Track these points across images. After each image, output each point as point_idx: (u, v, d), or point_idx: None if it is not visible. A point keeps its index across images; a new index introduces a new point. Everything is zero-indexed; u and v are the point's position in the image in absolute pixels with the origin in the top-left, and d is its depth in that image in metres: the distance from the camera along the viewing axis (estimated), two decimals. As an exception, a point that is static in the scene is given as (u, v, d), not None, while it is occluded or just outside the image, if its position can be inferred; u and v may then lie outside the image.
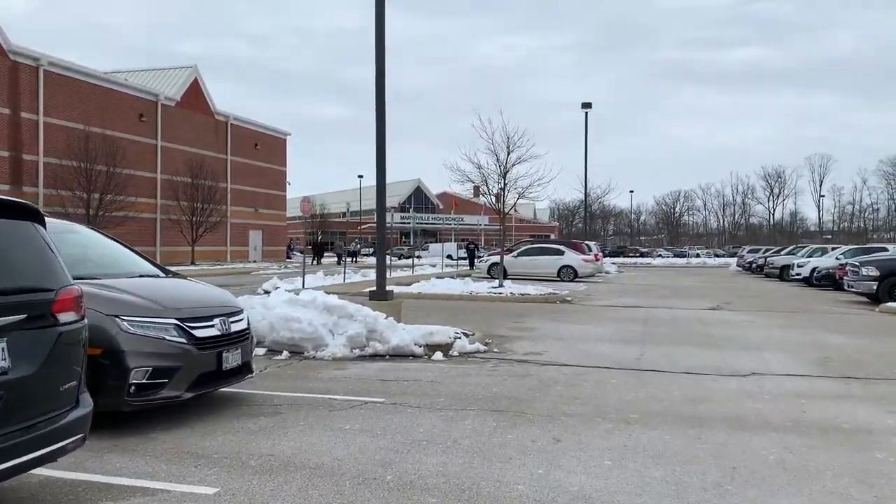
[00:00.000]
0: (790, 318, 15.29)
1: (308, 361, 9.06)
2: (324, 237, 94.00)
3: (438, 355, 9.36)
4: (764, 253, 44.39)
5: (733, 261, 67.10)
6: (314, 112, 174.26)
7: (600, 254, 34.86)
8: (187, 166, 40.13)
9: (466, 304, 17.80)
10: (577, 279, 28.34)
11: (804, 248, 36.84)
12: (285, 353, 9.36)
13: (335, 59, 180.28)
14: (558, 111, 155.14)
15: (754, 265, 39.97)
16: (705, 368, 8.80)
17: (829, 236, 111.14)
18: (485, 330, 12.13)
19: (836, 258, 28.02)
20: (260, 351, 9.47)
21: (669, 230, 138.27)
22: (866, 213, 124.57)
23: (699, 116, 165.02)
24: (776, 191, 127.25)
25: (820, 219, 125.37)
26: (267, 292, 21.46)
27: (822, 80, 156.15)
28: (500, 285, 20.64)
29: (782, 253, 38.62)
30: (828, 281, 26.04)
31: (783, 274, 32.95)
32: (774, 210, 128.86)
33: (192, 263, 40.03)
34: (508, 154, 20.17)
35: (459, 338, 10.13)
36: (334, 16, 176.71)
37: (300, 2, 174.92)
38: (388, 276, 30.91)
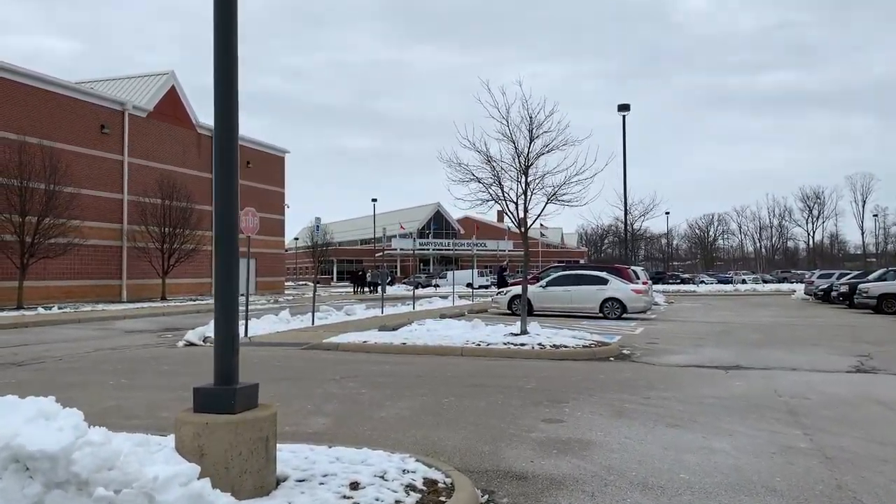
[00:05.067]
0: None
1: None
2: (340, 265, 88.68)
3: None
4: (839, 278, 37.43)
5: (789, 287, 59.78)
6: (344, 143, 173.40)
7: (649, 282, 28.19)
8: (159, 186, 34.47)
9: (466, 367, 11.40)
10: (624, 315, 21.78)
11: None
12: None
13: (365, 91, 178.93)
14: (589, 137, 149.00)
15: (835, 293, 32.92)
16: None
17: (873, 259, 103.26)
18: (482, 451, 5.77)
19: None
20: None
21: (703, 254, 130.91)
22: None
23: (733, 140, 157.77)
24: (815, 212, 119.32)
25: (864, 241, 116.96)
26: (191, 343, 15.35)
27: (857, 102, 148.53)
28: (524, 331, 14.23)
29: (871, 278, 31.61)
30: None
31: (882, 305, 26.12)
32: (814, 232, 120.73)
33: (163, 298, 34.17)
34: (532, 141, 13.89)
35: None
36: (367, 49, 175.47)
37: (334, 37, 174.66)
38: (380, 312, 24.48)
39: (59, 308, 26.01)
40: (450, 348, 12.95)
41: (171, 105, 38.22)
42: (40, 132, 29.08)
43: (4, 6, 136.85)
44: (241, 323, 16.30)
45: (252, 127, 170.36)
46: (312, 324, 18.13)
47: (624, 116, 36.10)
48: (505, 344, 13.06)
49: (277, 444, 5.56)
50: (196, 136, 40.37)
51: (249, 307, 29.69)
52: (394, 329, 15.87)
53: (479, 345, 13.11)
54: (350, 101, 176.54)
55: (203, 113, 41.29)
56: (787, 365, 11.42)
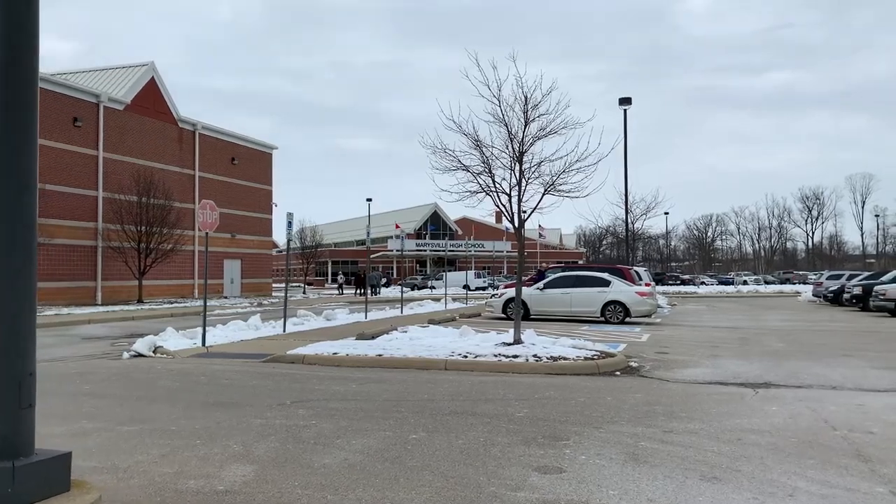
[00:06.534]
0: None
1: None
2: (332, 267, 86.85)
3: None
4: (849, 279, 35.77)
5: (792, 288, 58.23)
6: (344, 144, 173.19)
7: (653, 283, 26.47)
8: (136, 182, 32.71)
9: (448, 385, 9.66)
10: (627, 320, 20.08)
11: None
12: None
13: (368, 92, 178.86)
14: (592, 119, 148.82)
15: (847, 295, 31.22)
16: None
17: (872, 260, 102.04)
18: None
19: None
20: None
21: (702, 255, 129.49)
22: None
23: (731, 141, 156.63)
24: (815, 213, 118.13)
25: (863, 242, 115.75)
26: (139, 354, 13.61)
27: (856, 103, 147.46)
28: (517, 340, 12.51)
29: (885, 280, 29.94)
30: None
31: (903, 308, 24.46)
32: (813, 233, 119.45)
33: (139, 301, 32.40)
34: (527, 123, 12.16)
35: None
36: (368, 50, 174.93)
37: (335, 37, 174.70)
38: (364, 317, 22.63)
39: (21, 312, 24.22)
40: (432, 361, 11.22)
41: (151, 97, 36.45)
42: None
43: None
44: (198, 330, 14.32)
45: (252, 128, 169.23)
46: (284, 331, 16.38)
47: (625, 111, 34.52)
48: (496, 356, 11.33)
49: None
50: (177, 130, 38.61)
51: (230, 310, 28.00)
52: (372, 338, 14.16)
53: (465, 357, 11.38)
54: (351, 103, 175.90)
55: (189, 110, 39.56)
56: (826, 382, 9.72)
